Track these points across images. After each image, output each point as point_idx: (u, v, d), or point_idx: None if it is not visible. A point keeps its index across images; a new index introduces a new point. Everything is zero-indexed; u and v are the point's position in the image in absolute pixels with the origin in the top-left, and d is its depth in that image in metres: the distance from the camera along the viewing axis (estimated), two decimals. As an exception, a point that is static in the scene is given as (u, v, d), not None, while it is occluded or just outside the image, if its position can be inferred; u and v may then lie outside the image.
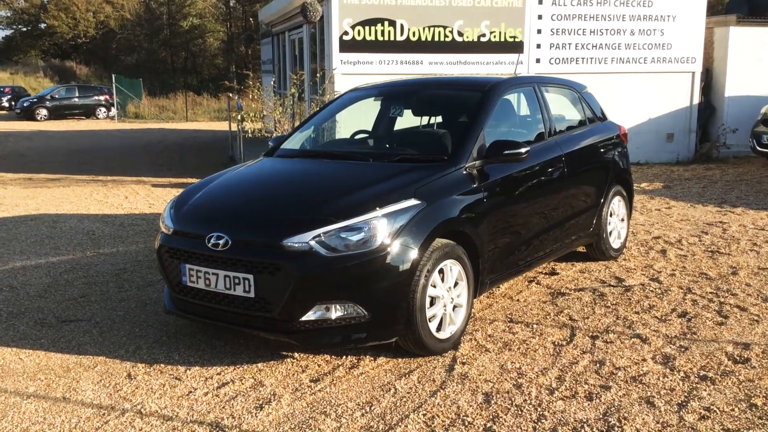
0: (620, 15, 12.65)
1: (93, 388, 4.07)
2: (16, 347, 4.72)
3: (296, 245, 3.98)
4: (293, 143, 5.63)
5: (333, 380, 4.08)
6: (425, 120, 5.81)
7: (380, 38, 11.69)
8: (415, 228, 4.14)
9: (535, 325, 4.90)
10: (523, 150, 4.76)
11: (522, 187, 5.14)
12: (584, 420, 3.55)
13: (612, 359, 4.29)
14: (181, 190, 10.95)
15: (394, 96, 5.90)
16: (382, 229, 4.03)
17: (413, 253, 4.09)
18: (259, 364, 4.32)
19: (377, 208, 4.09)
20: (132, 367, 4.34)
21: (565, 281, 5.92)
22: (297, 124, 11.21)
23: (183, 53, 56.26)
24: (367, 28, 11.61)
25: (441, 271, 4.34)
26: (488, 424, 3.53)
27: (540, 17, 12.28)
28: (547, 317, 5.06)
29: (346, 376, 4.13)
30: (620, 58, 12.80)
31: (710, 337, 4.61)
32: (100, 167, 14.82)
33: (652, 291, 5.58)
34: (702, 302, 5.30)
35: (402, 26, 11.74)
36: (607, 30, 12.64)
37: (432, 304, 4.30)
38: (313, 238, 3.97)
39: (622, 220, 6.70)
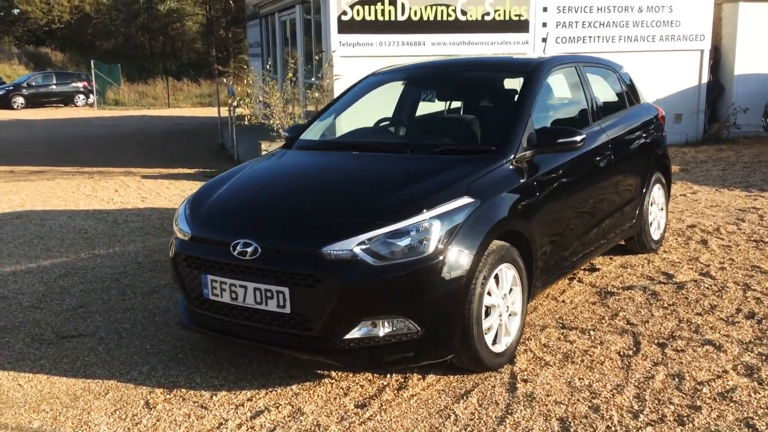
0: (628, -9, 12.15)
1: (107, 421, 3.54)
2: (13, 370, 4.17)
3: (338, 253, 3.46)
4: (313, 134, 5.09)
5: (382, 405, 3.59)
6: (457, 106, 5.28)
7: (380, 18, 11.12)
8: (471, 230, 3.64)
9: (591, 332, 4.43)
10: (578, 138, 4.27)
11: (572, 179, 4.66)
12: (684, 451, 3.09)
13: (690, 372, 3.83)
14: (172, 182, 10.17)
15: (423, 80, 5.37)
16: (436, 232, 3.52)
17: (470, 259, 3.59)
18: (294, 387, 3.82)
19: (429, 208, 3.57)
20: (149, 393, 3.82)
21: (609, 278, 5.45)
22: (292, 110, 10.65)
23: (161, 38, 55.09)
24: (366, 7, 11.03)
25: (496, 277, 3.84)
26: (575, 460, 3.06)
27: (546, -6, 11.75)
28: (602, 321, 4.60)
29: (396, 400, 3.63)
30: (628, 36, 12.32)
31: (790, 343, 4.17)
32: (85, 158, 14.15)
33: (707, 288, 5.13)
34: (766, 300, 4.86)
35: (403, 5, 11.17)
36: (614, 7, 12.14)
37: (487, 314, 3.81)
38: (358, 244, 3.45)
39: (661, 209, 6.26)
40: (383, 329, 3.52)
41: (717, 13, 13.03)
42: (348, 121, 5.15)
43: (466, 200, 3.69)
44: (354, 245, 3.45)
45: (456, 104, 5.32)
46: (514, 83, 4.79)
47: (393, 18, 11.16)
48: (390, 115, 5.34)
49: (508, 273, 3.94)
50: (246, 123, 10.51)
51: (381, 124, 5.30)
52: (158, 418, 3.55)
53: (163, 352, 4.35)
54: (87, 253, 6.68)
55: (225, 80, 14.79)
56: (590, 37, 12.13)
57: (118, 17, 53.80)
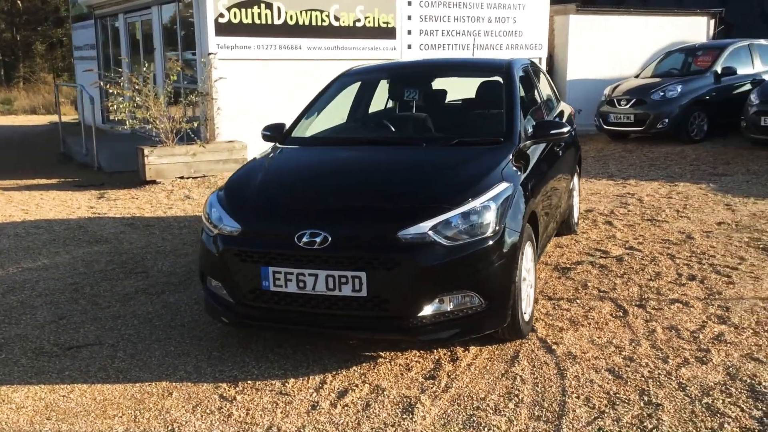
0: (479, 3, 13.18)
1: (194, 416, 3.53)
2: (42, 384, 3.95)
3: (414, 236, 3.73)
4: (303, 130, 5.23)
5: (449, 375, 3.90)
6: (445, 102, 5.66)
7: (257, 21, 11.16)
8: (514, 211, 4.08)
9: (576, 301, 5.03)
10: (565, 129, 4.85)
11: (548, 166, 5.23)
12: (722, 382, 3.73)
13: (679, 324, 4.53)
14: (43, 193, 9.59)
15: (404, 78, 5.69)
16: (493, 213, 3.91)
17: (518, 236, 4.03)
18: (355, 368, 4.01)
19: (484, 192, 3.96)
20: (215, 389, 3.82)
21: (554, 257, 6.11)
22: (178, 114, 10.39)
23: (-70, 40, 49.39)
24: (243, 10, 11.02)
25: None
26: (646, 399, 3.58)
27: (410, 3, 12.44)
28: (579, 292, 5.21)
29: (458, 370, 3.96)
30: (480, 45, 13.33)
31: (735, 295, 5.03)
32: None
33: (642, 259, 5.95)
34: (695, 265, 5.75)
35: (279, 9, 11.30)
36: (468, 17, 13.12)
37: (520, 287, 4.25)
38: (432, 227, 3.75)
39: (577, 195, 7.07)
40: (449, 305, 3.84)
41: (551, 24, 14.51)
42: (340, 117, 5.34)
43: (505, 184, 4.11)
44: (428, 228, 3.75)
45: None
46: (497, 81, 5.26)
47: (270, 21, 11.25)
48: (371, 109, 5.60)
49: (528, 250, 4.41)
50: (126, 128, 10.08)
51: (384, 119, 5.50)
52: (246, 407, 3.60)
53: (193, 352, 4.31)
54: (14, 268, 6.21)
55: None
56: (448, 44, 13.00)
57: None
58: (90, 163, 12.55)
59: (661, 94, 12.65)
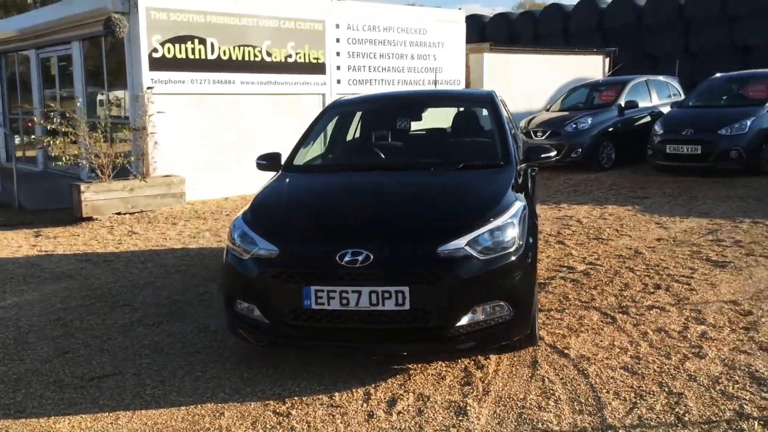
0: (402, 41, 13.73)
1: (260, 431, 3.61)
2: (81, 413, 3.92)
3: (452, 252, 4.00)
4: (304, 158, 5.42)
5: (483, 380, 4.16)
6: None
7: (191, 56, 11.18)
8: (528, 227, 4.42)
9: (565, 311, 5.42)
10: (553, 153, 5.28)
11: (531, 189, 5.65)
12: (723, 372, 4.18)
13: (666, 327, 4.99)
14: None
15: (393, 109, 5.98)
16: (516, 229, 4.24)
17: (534, 250, 4.37)
18: (391, 379, 4.20)
19: (506, 210, 4.28)
20: (265, 406, 3.91)
21: (525, 274, 6.51)
22: (109, 149, 10.22)
23: None
24: (177, 45, 11.02)
25: (531, 266, 4.65)
26: (667, 389, 3.98)
27: (338, 40, 12.80)
28: (563, 303, 5.62)
29: (489, 376, 4.23)
30: (404, 80, 13.87)
31: (701, 300, 5.57)
32: None
33: (606, 273, 6.45)
34: (654, 276, 6.29)
35: (212, 44, 11.37)
36: (392, 54, 13.62)
37: (530, 297, 4.59)
38: (468, 243, 4.03)
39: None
40: (482, 315, 4.12)
41: (467, 62, 15.26)
42: (336, 146, 5.55)
43: (520, 203, 4.47)
44: (464, 244, 4.03)
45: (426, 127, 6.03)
46: (484, 110, 5.65)
47: (203, 56, 11.29)
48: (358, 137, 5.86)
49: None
50: (60, 164, 9.81)
51: (377, 147, 5.74)
52: (305, 420, 3.72)
53: (223, 375, 4.36)
54: (-14, 305, 5.98)
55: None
56: (374, 80, 13.43)
57: None
58: (7, 202, 12.03)
59: (574, 126, 13.56)
